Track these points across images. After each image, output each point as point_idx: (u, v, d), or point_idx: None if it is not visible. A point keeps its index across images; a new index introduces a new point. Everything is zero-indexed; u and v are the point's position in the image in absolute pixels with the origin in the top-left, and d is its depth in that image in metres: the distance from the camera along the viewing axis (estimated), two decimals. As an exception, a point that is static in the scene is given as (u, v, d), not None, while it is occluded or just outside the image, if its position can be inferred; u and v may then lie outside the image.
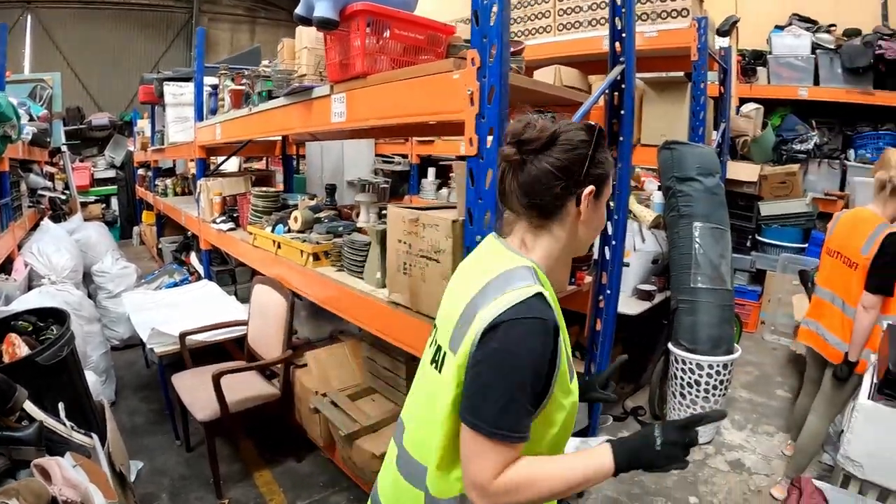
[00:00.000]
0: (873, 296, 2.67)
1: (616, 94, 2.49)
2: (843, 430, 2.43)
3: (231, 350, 3.84)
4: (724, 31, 5.19)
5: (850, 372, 2.79)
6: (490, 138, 1.77)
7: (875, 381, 2.19)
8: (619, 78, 2.51)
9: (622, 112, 2.50)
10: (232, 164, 6.98)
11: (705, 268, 3.32)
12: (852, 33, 5.61)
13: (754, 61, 5.96)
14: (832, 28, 5.74)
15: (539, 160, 1.14)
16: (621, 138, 2.49)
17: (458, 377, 1.11)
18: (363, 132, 4.18)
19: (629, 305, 3.59)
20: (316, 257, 3.03)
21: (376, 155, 6.88)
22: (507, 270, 1.13)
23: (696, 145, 3.52)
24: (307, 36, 3.02)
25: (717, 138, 4.24)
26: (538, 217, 1.19)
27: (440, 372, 1.20)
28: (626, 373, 4.40)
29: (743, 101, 5.50)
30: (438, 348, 1.24)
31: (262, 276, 3.53)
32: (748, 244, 5.10)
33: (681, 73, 3.94)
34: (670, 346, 3.48)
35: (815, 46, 5.65)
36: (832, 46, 5.54)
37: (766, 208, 5.11)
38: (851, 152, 5.55)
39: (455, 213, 2.09)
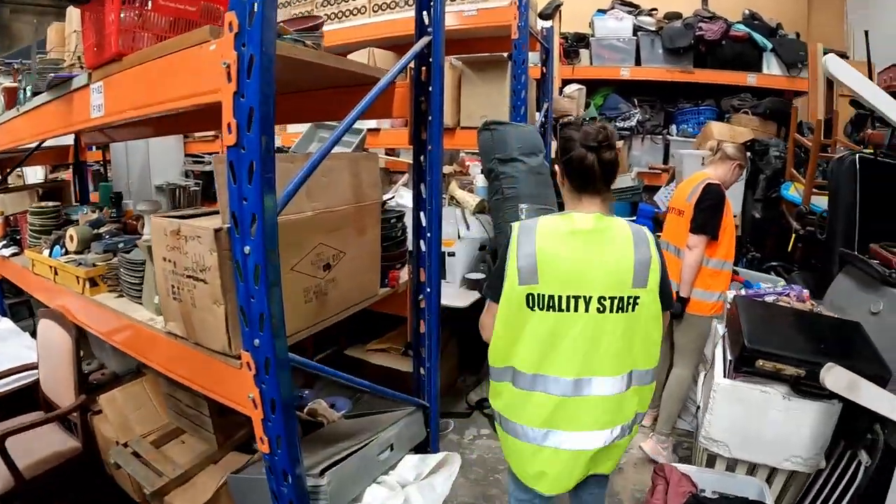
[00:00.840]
0: (695, 235, 3.02)
1: (424, 68, 2.23)
2: (699, 407, 2.42)
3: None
4: (546, 15, 5.20)
5: (682, 308, 3.10)
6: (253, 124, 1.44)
7: (730, 358, 2.15)
8: (426, 51, 2.25)
9: (430, 89, 2.24)
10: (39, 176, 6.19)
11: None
12: (673, 16, 5.87)
13: (577, 44, 6.07)
14: (653, 11, 5.96)
15: (613, 153, 1.68)
16: (430, 117, 2.24)
17: (655, 296, 1.69)
18: (148, 126, 3.71)
19: (458, 297, 3.41)
20: (93, 282, 2.54)
21: (186, 155, 6.24)
22: (633, 230, 1.70)
23: (518, 125, 3.40)
24: (77, 17, 2.53)
25: (541, 118, 4.18)
26: (610, 191, 1.74)
27: (633, 310, 1.66)
28: (467, 364, 4.27)
29: (566, 82, 5.54)
30: (610, 301, 1.64)
31: (45, 309, 2.97)
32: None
33: (502, 54, 3.82)
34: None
35: (636, 29, 5.85)
36: (654, 29, 5.78)
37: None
38: (673, 127, 5.81)
39: (220, 220, 1.75)
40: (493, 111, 3.69)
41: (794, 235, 3.86)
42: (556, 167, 1.79)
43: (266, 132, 1.45)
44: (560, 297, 1.63)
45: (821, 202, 3.85)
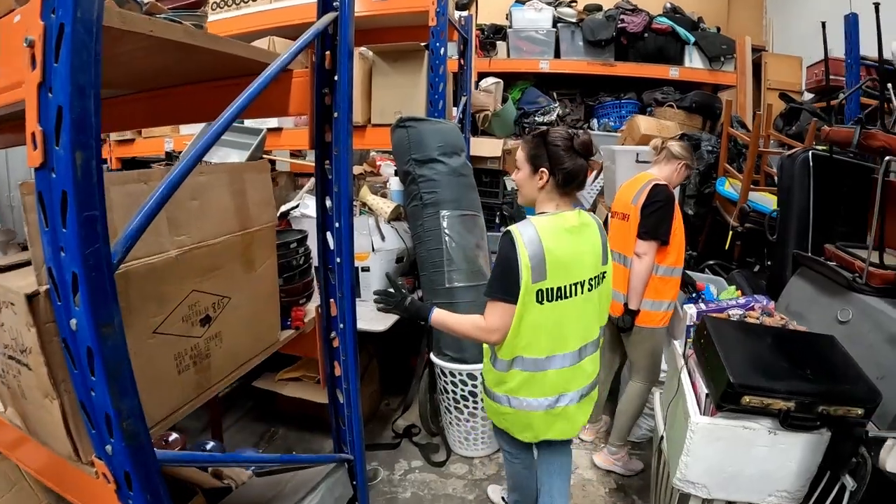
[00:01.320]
0: (645, 242, 2.76)
1: (328, 53, 1.73)
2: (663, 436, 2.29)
3: None
4: (463, 5, 4.85)
5: (631, 321, 2.85)
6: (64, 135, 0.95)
7: (706, 392, 1.83)
8: (331, 30, 1.74)
9: (336, 78, 1.74)
10: None
11: (460, 262, 2.83)
12: (594, 8, 5.68)
13: (493, 35, 5.77)
14: (573, 3, 5.77)
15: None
16: (336, 114, 1.75)
17: (609, 263, 2.10)
18: None
19: (376, 319, 2.98)
20: None
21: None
22: (594, 218, 2.04)
23: (437, 121, 3.01)
24: None
25: (458, 114, 3.80)
26: None
27: (602, 281, 2.03)
28: (391, 386, 3.85)
29: (482, 76, 5.23)
30: (594, 279, 1.97)
31: None
32: (497, 221, 4.84)
33: (418, 43, 3.42)
34: (433, 356, 2.94)
35: (556, 20, 5.61)
36: (574, 20, 5.57)
37: (512, 182, 4.88)
38: (595, 121, 5.60)
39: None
40: (408, 106, 3.29)
41: (731, 233, 3.63)
42: (542, 173, 1.89)
43: (83, 145, 0.96)
44: (564, 287, 1.87)
45: (757, 198, 3.65)
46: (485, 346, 2.06)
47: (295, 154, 5.78)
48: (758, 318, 2.09)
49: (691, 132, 4.74)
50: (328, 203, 1.82)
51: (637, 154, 3.70)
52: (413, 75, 3.29)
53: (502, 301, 1.85)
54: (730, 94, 5.24)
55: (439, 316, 1.99)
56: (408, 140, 2.90)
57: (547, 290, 1.83)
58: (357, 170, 5.03)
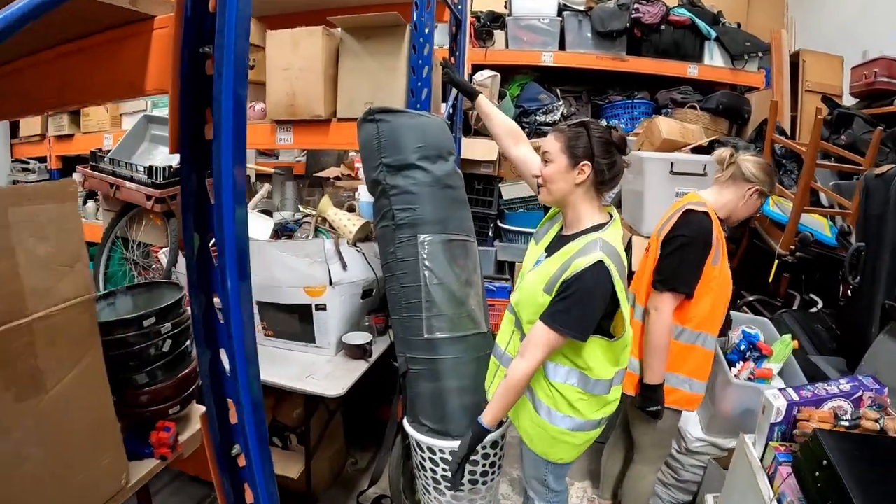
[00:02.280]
0: (660, 293, 2.09)
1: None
2: None
3: None
4: (458, -11, 4.18)
5: (654, 401, 2.15)
6: None
7: None
8: None
9: (223, 29, 1.00)
10: None
11: (444, 306, 2.11)
12: None
13: (490, 24, 5.07)
14: (581, -12, 5.05)
15: None
16: (221, 90, 1.02)
17: None
18: None
19: (334, 375, 2.28)
20: None
21: (13, 160, 4.81)
22: None
23: (418, 114, 2.29)
24: None
25: (448, 109, 3.10)
26: None
27: None
28: (358, 439, 3.16)
29: (477, 68, 4.55)
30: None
31: None
32: (490, 233, 4.17)
33: (397, 14, 2.71)
34: (407, 424, 2.23)
35: (562, 8, 4.92)
36: (582, 8, 4.87)
37: (509, 190, 4.21)
38: (603, 122, 4.87)
39: None
40: (384, 96, 2.59)
41: (776, 262, 2.94)
42: (583, 168, 1.73)
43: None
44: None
45: (807, 222, 2.99)
46: (559, 384, 1.82)
47: (267, 154, 5.08)
48: (877, 422, 1.41)
49: (726, 138, 4.08)
50: (212, 254, 1.08)
51: (672, 163, 2.99)
52: (390, 57, 2.58)
53: (574, 338, 1.70)
54: (759, 98, 4.58)
55: (498, 411, 1.82)
56: (378, 138, 2.18)
57: (621, 310, 1.77)
58: (333, 172, 4.31)
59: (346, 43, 2.65)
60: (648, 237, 2.99)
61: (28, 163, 4.69)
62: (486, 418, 1.81)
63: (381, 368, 2.51)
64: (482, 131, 4.20)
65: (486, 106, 2.22)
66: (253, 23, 2.96)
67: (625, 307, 1.74)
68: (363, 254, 2.59)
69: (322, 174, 4.30)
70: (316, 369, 2.34)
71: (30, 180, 4.57)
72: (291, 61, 2.69)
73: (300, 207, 3.24)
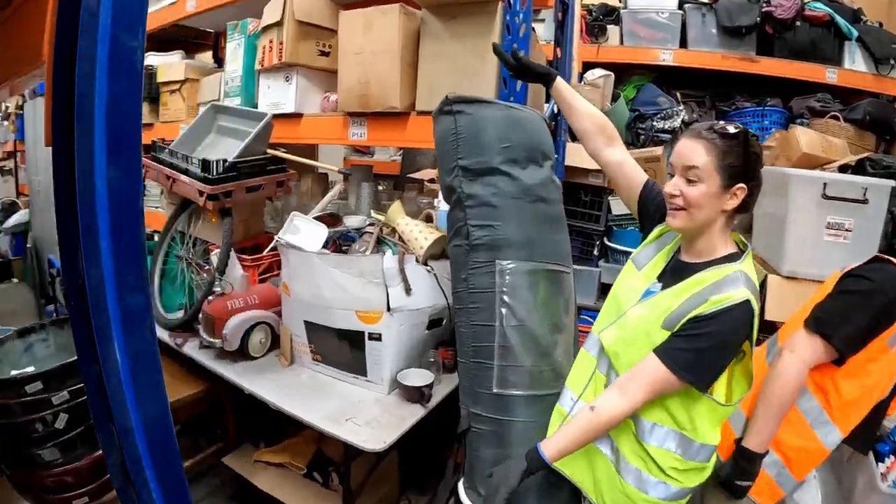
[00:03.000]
0: (809, 334, 1.62)
1: None
2: None
3: None
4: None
5: (749, 474, 1.65)
6: None
7: None
8: None
9: None
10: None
11: (524, 355, 1.64)
12: None
13: (603, 18, 4.55)
14: (707, -22, 4.46)
15: None
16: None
17: None
18: None
19: (382, 422, 1.86)
20: None
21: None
22: None
23: (507, 106, 1.82)
24: None
25: (551, 109, 2.62)
26: None
27: None
28: (414, 481, 2.74)
29: (588, 66, 4.05)
30: None
31: None
32: (595, 252, 3.64)
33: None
34: (462, 492, 1.77)
35: (683, 0, 4.36)
36: (706, 1, 4.29)
37: (619, 205, 3.64)
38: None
39: None
40: (470, 85, 2.16)
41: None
42: (739, 189, 1.38)
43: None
44: None
45: None
46: (653, 448, 1.43)
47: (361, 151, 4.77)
48: None
49: (876, 156, 3.37)
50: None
51: (825, 184, 2.36)
52: (479, 39, 2.13)
53: (691, 384, 1.36)
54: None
55: (568, 446, 1.45)
56: (455, 134, 1.74)
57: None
58: (428, 174, 3.87)
59: (428, 23, 2.23)
60: (790, 276, 2.41)
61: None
62: (550, 451, 1.45)
63: (452, 402, 2.07)
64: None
65: (568, 93, 1.72)
66: (325, 3, 2.62)
67: (750, 362, 1.41)
68: (435, 274, 2.14)
69: (416, 175, 3.89)
70: (360, 410, 1.94)
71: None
72: (363, 45, 2.31)
73: (372, 212, 2.85)
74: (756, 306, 1.33)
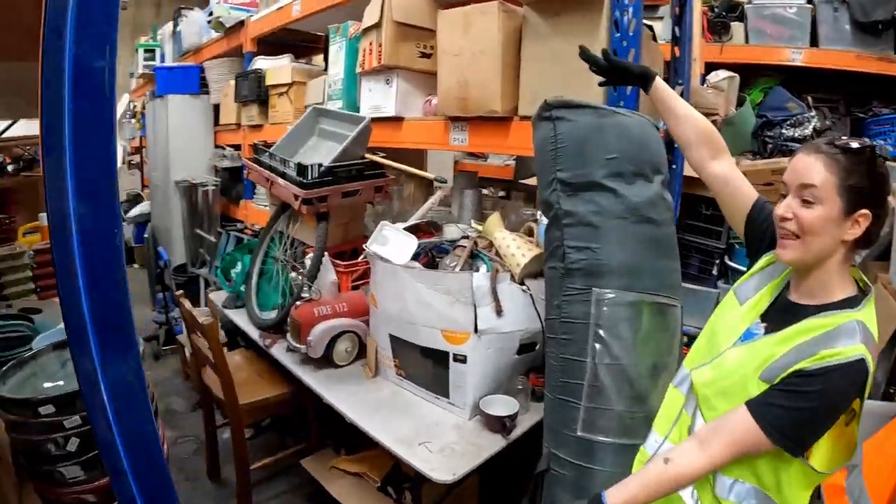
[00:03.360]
0: None
1: None
2: None
3: None
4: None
5: None
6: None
7: None
8: None
9: None
10: None
11: (616, 398, 1.46)
12: None
13: (727, 14, 4.21)
14: (836, -31, 4.03)
15: None
16: None
17: None
18: None
19: (450, 454, 1.72)
20: None
21: (216, 146, 4.98)
22: None
23: (613, 111, 1.64)
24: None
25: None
26: None
27: None
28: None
29: (711, 67, 3.72)
30: None
31: None
32: (714, 271, 3.32)
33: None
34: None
35: (813, -8, 3.96)
36: (838, -8, 3.85)
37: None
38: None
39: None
40: (577, 88, 1.97)
41: None
42: (863, 217, 1.16)
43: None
44: None
45: None
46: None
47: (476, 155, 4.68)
48: None
49: None
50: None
51: None
52: (585, 37, 1.94)
53: (788, 451, 1.16)
54: None
55: (637, 498, 1.25)
56: (554, 143, 1.59)
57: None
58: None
59: (531, 21, 2.08)
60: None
61: (224, 149, 4.79)
62: (615, 500, 1.26)
63: (539, 432, 1.91)
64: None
65: (667, 95, 1.51)
66: (425, 3, 2.52)
67: (857, 427, 1.20)
68: (531, 295, 1.98)
69: (530, 182, 3.72)
70: (437, 434, 1.82)
71: (223, 166, 4.66)
72: (463, 45, 2.19)
73: (472, 222, 2.72)
74: (872, 366, 1.12)
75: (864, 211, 1.16)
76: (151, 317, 4.96)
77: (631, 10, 1.82)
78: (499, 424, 1.81)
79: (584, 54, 1.60)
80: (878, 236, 1.21)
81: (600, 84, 1.65)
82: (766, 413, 1.14)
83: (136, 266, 7.62)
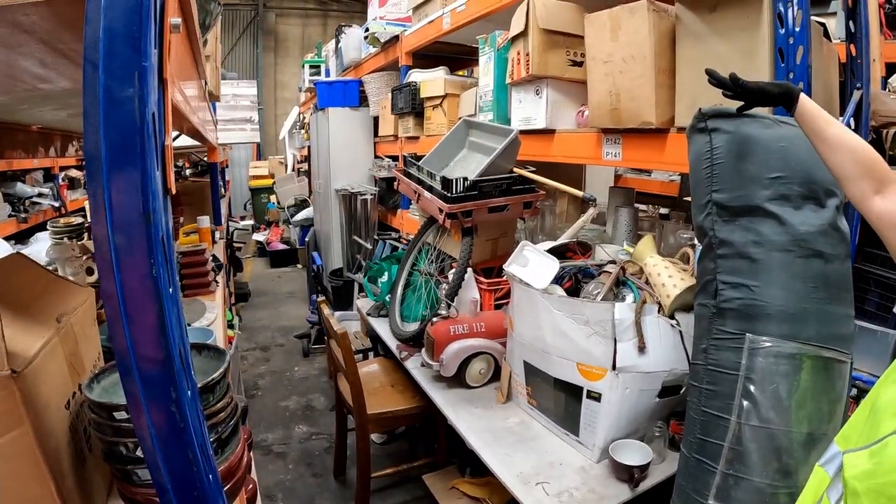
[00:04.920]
0: None
1: None
2: None
3: None
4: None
5: None
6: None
7: None
8: None
9: None
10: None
11: (758, 467, 1.21)
12: None
13: (907, 6, 3.51)
14: None
15: None
16: None
17: None
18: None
19: (567, 498, 1.55)
20: None
21: (375, 157, 5.19)
22: None
23: (779, 121, 1.40)
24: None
25: (847, 120, 2.01)
26: None
27: None
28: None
29: (891, 68, 3.14)
30: None
31: None
32: (894, 310, 2.72)
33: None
34: None
35: None
36: None
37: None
38: None
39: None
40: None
41: None
42: None
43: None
44: None
45: None
46: None
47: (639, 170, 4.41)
48: None
49: None
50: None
51: None
52: (745, 35, 1.68)
53: None
54: None
55: None
56: (710, 158, 1.38)
57: None
58: None
59: (684, 21, 1.84)
60: None
61: (382, 159, 4.96)
62: None
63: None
64: (899, 158, 2.85)
65: (816, 115, 1.21)
66: (572, 8, 2.36)
67: None
68: (680, 332, 1.75)
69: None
70: (559, 475, 1.67)
71: (381, 176, 4.82)
72: (612, 51, 2.00)
73: (625, 244, 2.51)
74: None
75: None
76: (306, 316, 5.29)
77: (796, 1, 1.53)
78: (627, 473, 1.61)
79: (711, 77, 1.35)
80: None
81: (738, 110, 1.38)
82: None
83: (299, 266, 8.21)
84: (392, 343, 2.65)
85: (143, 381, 0.64)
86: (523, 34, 2.36)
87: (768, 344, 1.23)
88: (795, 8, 1.53)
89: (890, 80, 2.88)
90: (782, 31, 1.57)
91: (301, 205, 7.88)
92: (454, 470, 2.59)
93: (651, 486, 1.65)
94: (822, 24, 2.03)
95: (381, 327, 2.83)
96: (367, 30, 4.51)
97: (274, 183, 9.71)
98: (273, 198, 9.80)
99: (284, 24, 12.44)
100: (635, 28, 1.89)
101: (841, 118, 1.97)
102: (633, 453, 1.66)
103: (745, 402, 1.22)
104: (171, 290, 0.64)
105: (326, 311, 2.69)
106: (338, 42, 5.58)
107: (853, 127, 2.05)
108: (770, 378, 1.21)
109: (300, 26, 12.75)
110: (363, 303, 3.24)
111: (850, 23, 2.16)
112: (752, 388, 1.22)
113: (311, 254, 5.33)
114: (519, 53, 2.46)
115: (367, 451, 2.62)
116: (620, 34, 1.95)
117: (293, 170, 10.02)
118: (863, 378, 1.52)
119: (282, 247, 8.69)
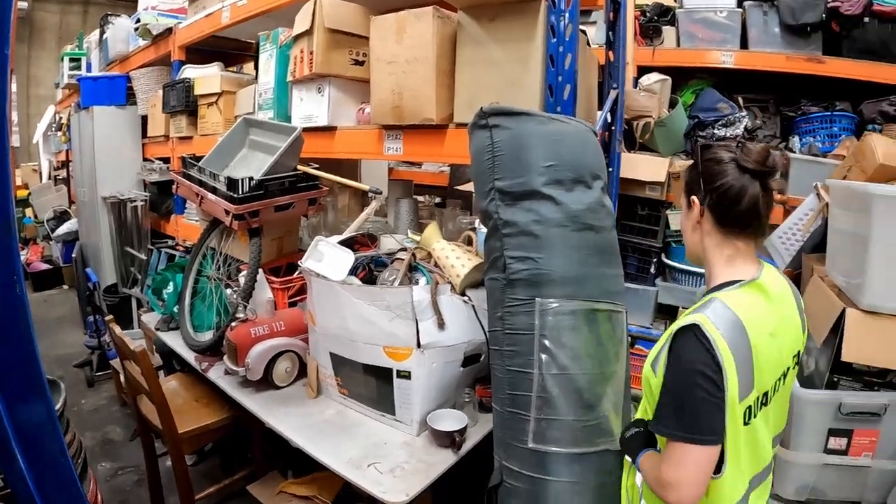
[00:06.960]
0: None
1: None
2: None
3: None
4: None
5: None
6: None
7: None
8: None
9: None
10: None
11: (566, 408, 1.43)
12: None
13: (658, 18, 4.27)
14: (766, -27, 4.16)
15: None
16: None
17: None
18: None
19: (400, 474, 1.65)
20: None
21: (145, 159, 4.77)
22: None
23: (550, 118, 1.63)
24: None
25: (604, 117, 2.39)
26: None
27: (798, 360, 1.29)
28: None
29: (643, 70, 3.82)
30: (794, 361, 1.27)
31: None
32: (651, 269, 3.37)
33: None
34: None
35: (743, -3, 4.10)
36: (767, -3, 3.98)
37: (678, 219, 3.35)
38: (795, 140, 3.93)
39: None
40: (513, 95, 1.96)
41: None
42: (693, 204, 1.28)
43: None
44: (769, 391, 1.19)
45: None
46: None
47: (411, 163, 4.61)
48: None
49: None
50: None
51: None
52: (521, 43, 1.92)
53: (690, 443, 1.10)
54: None
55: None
56: (491, 152, 1.56)
57: (754, 402, 1.16)
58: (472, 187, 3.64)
59: (465, 27, 2.04)
60: (871, 311, 2.08)
61: (153, 162, 4.60)
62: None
63: (490, 444, 1.87)
64: (648, 145, 3.43)
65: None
66: (358, 9, 2.46)
67: (732, 400, 1.11)
68: (473, 306, 1.94)
69: (465, 188, 3.68)
70: (386, 453, 1.76)
71: (152, 180, 4.47)
72: (396, 52, 2.14)
73: (409, 232, 2.66)
74: (711, 330, 1.10)
75: (692, 197, 1.27)
76: (83, 341, 4.69)
77: (568, 15, 1.79)
78: (448, 439, 1.76)
79: None
80: (728, 210, 1.23)
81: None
82: (656, 417, 1.19)
83: (65, 287, 7.26)
84: (189, 355, 2.50)
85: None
86: (308, 32, 2.39)
87: (555, 304, 1.44)
88: (567, 21, 1.78)
89: (641, 80, 3.45)
90: (554, 41, 1.81)
91: (62, 217, 6.96)
92: (276, 475, 2.53)
93: (472, 446, 1.82)
94: (584, 32, 2.37)
95: (174, 341, 2.65)
96: (137, 20, 4.15)
97: (29, 194, 8.39)
98: (29, 211, 8.46)
99: (41, 11, 10.71)
100: (420, 32, 2.04)
101: (600, 112, 2.32)
102: (450, 420, 1.81)
103: (544, 356, 1.42)
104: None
105: (118, 330, 2.45)
106: (102, 33, 5.04)
107: (609, 120, 2.42)
108: (561, 332, 1.43)
109: (58, 13, 11.09)
110: (149, 317, 2.99)
111: (611, 33, 2.53)
112: (547, 342, 1.42)
113: (85, 270, 4.75)
114: (302, 51, 2.48)
115: (186, 473, 2.44)
116: (406, 37, 2.09)
117: (49, 178, 8.79)
118: (633, 329, 1.84)
119: (44, 267, 7.51)
